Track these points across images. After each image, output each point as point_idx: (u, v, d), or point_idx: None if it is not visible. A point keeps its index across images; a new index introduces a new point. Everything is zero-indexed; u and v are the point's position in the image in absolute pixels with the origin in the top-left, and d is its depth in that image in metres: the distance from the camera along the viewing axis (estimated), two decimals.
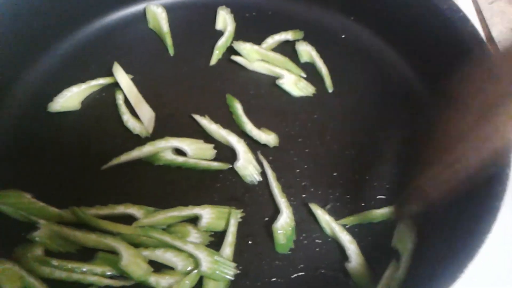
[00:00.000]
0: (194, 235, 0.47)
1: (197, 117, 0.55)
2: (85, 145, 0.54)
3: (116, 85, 0.58)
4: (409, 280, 0.43)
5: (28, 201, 0.49)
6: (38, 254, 0.46)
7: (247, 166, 0.52)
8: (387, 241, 0.47)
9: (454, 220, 0.43)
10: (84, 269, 0.45)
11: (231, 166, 0.52)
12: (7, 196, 0.49)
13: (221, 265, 0.45)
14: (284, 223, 0.47)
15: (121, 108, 0.56)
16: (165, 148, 0.53)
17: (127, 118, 0.56)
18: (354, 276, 0.45)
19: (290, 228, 0.48)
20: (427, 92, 0.57)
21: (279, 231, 0.47)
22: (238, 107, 0.56)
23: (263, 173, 0.52)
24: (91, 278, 0.44)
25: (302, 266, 0.46)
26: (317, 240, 0.48)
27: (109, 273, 0.45)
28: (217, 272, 0.44)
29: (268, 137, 0.54)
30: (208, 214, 0.48)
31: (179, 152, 0.53)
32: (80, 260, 0.45)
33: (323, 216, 0.48)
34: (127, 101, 0.57)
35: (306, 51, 0.61)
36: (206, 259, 0.45)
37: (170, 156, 0.53)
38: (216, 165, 0.52)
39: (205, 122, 0.55)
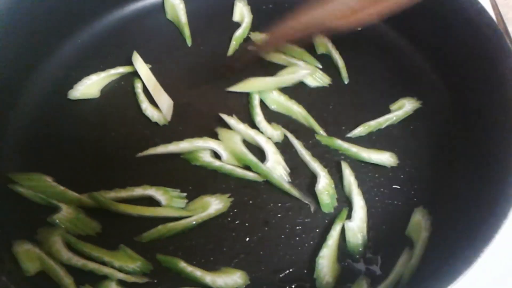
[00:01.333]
0: (214, 203, 0.49)
1: (225, 117, 0.55)
2: (104, 132, 0.55)
3: (135, 74, 0.59)
4: (422, 267, 0.44)
5: (50, 185, 0.50)
6: (62, 237, 0.46)
7: (276, 167, 0.51)
8: (401, 230, 0.48)
9: (470, 207, 0.44)
10: (105, 259, 0.45)
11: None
12: (29, 179, 0.50)
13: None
14: (325, 184, 0.50)
15: (139, 96, 0.57)
16: (202, 148, 0.53)
17: (145, 106, 0.56)
18: (349, 235, 0.47)
19: (332, 186, 0.50)
20: (443, 84, 0.58)
21: (324, 192, 0.49)
22: (255, 98, 0.57)
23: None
24: (106, 270, 0.45)
25: None
26: None
27: (126, 268, 0.45)
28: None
29: (273, 132, 0.54)
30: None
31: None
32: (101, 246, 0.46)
33: (349, 177, 0.50)
34: (145, 90, 0.58)
35: (323, 43, 0.61)
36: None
37: (208, 159, 0.52)
38: (251, 175, 0.51)
39: (233, 122, 0.54)
